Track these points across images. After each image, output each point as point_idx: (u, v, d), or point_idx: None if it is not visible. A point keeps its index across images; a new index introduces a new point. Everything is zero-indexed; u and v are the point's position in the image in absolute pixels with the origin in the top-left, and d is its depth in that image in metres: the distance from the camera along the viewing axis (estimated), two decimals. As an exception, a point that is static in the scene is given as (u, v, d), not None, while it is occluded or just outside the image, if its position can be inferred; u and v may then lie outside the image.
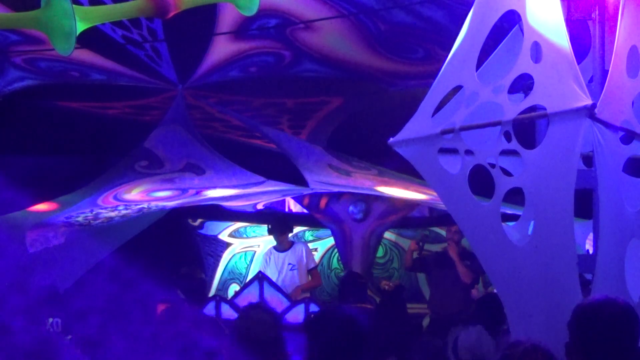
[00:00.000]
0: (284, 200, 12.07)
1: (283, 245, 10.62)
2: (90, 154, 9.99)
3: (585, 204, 4.56)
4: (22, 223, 9.53)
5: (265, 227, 11.45)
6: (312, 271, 10.70)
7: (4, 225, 9.43)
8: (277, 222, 10.85)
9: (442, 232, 11.56)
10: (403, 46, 7.64)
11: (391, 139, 4.80)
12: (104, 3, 6.57)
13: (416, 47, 7.61)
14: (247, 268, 12.00)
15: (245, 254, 12.12)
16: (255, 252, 12.02)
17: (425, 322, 11.12)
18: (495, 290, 6.84)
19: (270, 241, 11.04)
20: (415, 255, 10.67)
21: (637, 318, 3.33)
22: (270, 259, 10.67)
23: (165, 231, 11.40)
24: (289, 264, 10.51)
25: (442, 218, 11.10)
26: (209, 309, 9.04)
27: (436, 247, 11.14)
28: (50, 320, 7.79)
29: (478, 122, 4.64)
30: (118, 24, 7.24)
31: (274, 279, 9.97)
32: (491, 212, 4.52)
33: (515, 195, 4.55)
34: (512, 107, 4.50)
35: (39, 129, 9.19)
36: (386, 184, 9.52)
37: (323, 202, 11.38)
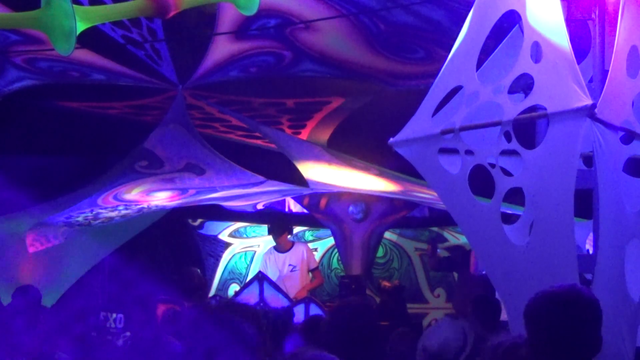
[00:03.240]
0: (284, 200, 12.06)
1: (283, 246, 10.62)
2: (90, 154, 9.99)
3: (585, 204, 4.56)
4: (22, 223, 9.53)
5: (265, 227, 11.45)
6: (314, 272, 10.71)
7: (4, 225, 9.43)
8: (276, 222, 10.85)
9: (443, 232, 11.58)
10: (403, 46, 7.64)
11: (391, 139, 4.80)
12: (104, 3, 6.57)
13: (416, 47, 7.61)
14: (247, 268, 11.99)
15: (245, 254, 12.12)
16: (255, 252, 12.01)
17: (425, 322, 11.14)
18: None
19: (270, 241, 11.04)
20: (429, 255, 10.85)
21: (598, 306, 3.31)
22: (270, 259, 10.67)
23: (165, 231, 11.39)
24: (290, 264, 10.50)
25: (442, 218, 11.10)
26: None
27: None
28: (114, 315, 7.74)
29: (478, 122, 4.65)
30: (118, 24, 7.24)
31: (274, 280, 9.97)
32: (491, 212, 4.52)
33: (515, 196, 4.55)
34: (512, 107, 4.50)
35: (39, 129, 9.19)
36: (386, 184, 9.52)
37: (323, 202, 11.37)
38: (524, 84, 4.65)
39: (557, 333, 3.22)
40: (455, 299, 10.59)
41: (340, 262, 11.65)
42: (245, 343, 3.79)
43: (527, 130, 4.77)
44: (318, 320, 6.65)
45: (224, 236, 12.16)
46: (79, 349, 6.38)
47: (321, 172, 9.35)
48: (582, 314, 3.24)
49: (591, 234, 4.75)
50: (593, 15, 4.86)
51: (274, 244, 10.73)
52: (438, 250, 10.99)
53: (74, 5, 4.64)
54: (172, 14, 4.96)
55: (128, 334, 7.57)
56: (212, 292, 11.59)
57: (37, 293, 7.91)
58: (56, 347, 6.50)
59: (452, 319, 5.45)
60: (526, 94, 4.57)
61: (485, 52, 4.84)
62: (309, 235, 12.01)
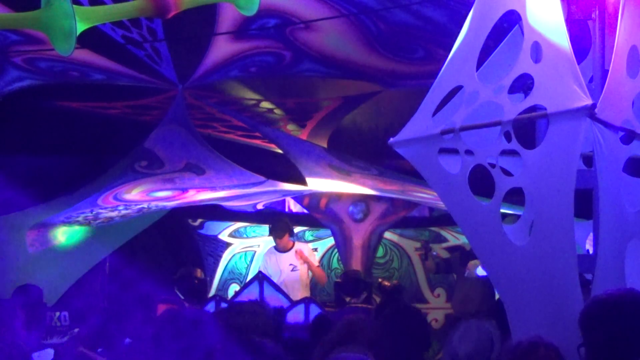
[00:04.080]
0: (284, 200, 12.06)
1: (284, 246, 10.62)
2: (90, 154, 10.00)
3: (585, 204, 4.56)
4: (22, 223, 9.54)
5: (265, 227, 11.46)
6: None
7: (4, 225, 9.44)
8: (277, 224, 10.84)
9: (442, 232, 11.58)
10: (403, 46, 7.64)
11: (391, 139, 4.80)
12: (104, 3, 6.57)
13: (416, 47, 7.62)
14: (247, 268, 11.99)
15: (245, 254, 12.11)
16: (255, 252, 12.01)
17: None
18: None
19: (270, 241, 11.04)
20: (422, 257, 10.85)
21: None
22: (271, 258, 10.66)
23: (165, 231, 11.39)
24: (290, 264, 10.50)
25: (442, 218, 11.11)
26: (209, 309, 9.04)
27: (435, 247, 11.16)
28: (57, 314, 7.75)
29: (478, 122, 4.64)
30: (118, 24, 7.25)
31: (274, 280, 9.97)
32: (491, 212, 4.52)
33: (515, 196, 4.55)
34: (512, 107, 4.49)
35: (39, 129, 9.20)
36: (386, 184, 9.53)
37: (323, 202, 11.37)
38: (524, 84, 4.64)
39: (615, 336, 3.20)
40: (454, 299, 10.57)
41: (340, 262, 11.65)
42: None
43: (527, 130, 4.77)
44: (325, 320, 6.66)
45: (224, 236, 12.15)
46: None
47: (321, 172, 9.36)
48: None
49: (591, 234, 4.74)
50: (593, 15, 4.85)
51: (274, 244, 10.73)
52: (434, 252, 10.97)
53: (74, 6, 4.64)
54: (172, 14, 4.96)
55: (76, 330, 7.56)
56: (212, 292, 11.59)
57: (37, 291, 7.90)
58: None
59: (477, 322, 5.48)
60: (526, 94, 4.57)
61: (485, 52, 4.83)
62: (309, 235, 12.00)
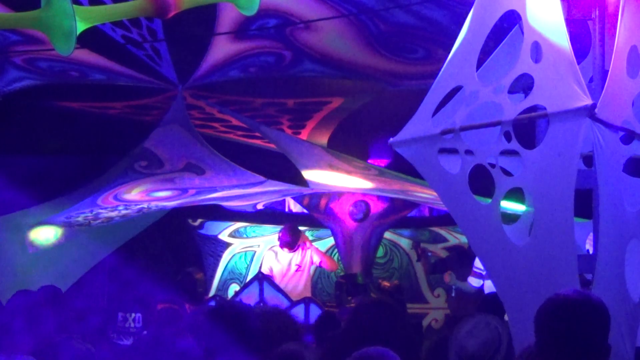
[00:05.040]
0: (284, 200, 12.07)
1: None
2: (90, 154, 10.00)
3: (585, 204, 4.56)
4: (22, 223, 9.54)
5: (265, 227, 11.46)
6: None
7: (4, 225, 9.44)
8: (291, 237, 10.64)
9: (442, 232, 11.58)
10: (403, 46, 7.65)
11: (391, 139, 4.81)
12: (104, 3, 6.57)
13: (416, 47, 7.62)
14: (247, 268, 11.99)
15: (245, 254, 12.12)
16: (255, 252, 12.02)
17: (425, 322, 11.14)
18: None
19: (270, 241, 11.04)
20: (416, 257, 10.85)
21: (607, 313, 3.31)
22: (276, 255, 10.65)
23: (165, 231, 11.39)
24: (295, 264, 10.50)
25: (442, 218, 11.11)
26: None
27: (435, 247, 11.16)
28: (133, 315, 7.74)
29: (478, 122, 4.64)
30: (118, 24, 7.25)
31: (277, 277, 9.96)
32: (491, 212, 4.52)
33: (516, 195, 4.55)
34: (512, 107, 4.49)
35: (39, 129, 9.20)
36: (386, 183, 9.53)
37: (323, 202, 11.37)
38: (524, 84, 4.64)
39: (563, 338, 3.20)
40: (451, 300, 10.54)
41: (340, 262, 11.65)
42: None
43: (527, 130, 4.77)
44: (330, 318, 6.65)
45: (224, 236, 12.16)
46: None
47: (321, 172, 9.36)
48: (590, 319, 3.23)
49: (591, 234, 4.74)
50: (593, 15, 4.85)
51: (274, 243, 10.72)
52: (429, 253, 10.98)
53: (74, 5, 4.64)
54: (172, 14, 4.96)
55: (146, 332, 7.59)
56: (212, 292, 11.59)
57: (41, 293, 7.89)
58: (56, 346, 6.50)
59: (486, 318, 5.52)
60: (526, 94, 4.57)
61: (485, 52, 4.84)
62: (309, 235, 12.01)
